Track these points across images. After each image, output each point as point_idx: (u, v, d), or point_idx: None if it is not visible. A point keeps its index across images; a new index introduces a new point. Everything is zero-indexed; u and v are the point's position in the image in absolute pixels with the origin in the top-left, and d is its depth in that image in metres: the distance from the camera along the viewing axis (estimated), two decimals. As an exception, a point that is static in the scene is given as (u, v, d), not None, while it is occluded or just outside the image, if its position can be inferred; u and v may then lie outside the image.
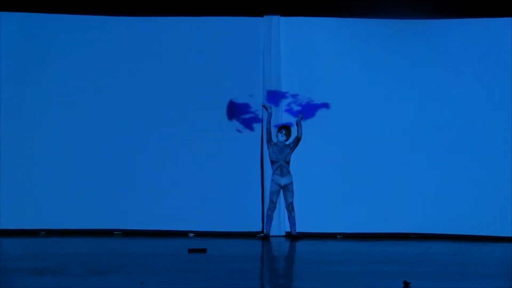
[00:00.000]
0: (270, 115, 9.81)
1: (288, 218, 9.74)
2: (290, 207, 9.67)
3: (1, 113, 10.08)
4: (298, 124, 9.74)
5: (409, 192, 10.09)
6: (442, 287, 5.62)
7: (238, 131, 10.28)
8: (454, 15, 10.19)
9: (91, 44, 10.30)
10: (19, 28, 10.25)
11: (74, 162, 10.13)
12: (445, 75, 10.24)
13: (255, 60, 10.32)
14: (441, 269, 6.68)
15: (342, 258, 7.52)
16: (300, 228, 9.74)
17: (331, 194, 10.08)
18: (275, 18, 10.34)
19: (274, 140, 9.76)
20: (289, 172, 9.68)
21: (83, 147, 10.15)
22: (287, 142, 9.74)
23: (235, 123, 10.29)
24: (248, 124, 10.27)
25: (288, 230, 9.80)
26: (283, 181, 9.66)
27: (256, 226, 10.04)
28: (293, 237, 9.66)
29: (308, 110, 10.22)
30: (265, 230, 9.77)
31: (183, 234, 9.97)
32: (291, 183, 9.66)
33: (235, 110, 10.28)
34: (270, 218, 9.71)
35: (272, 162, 9.73)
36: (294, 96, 10.27)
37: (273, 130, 9.83)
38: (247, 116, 10.27)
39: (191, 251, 7.71)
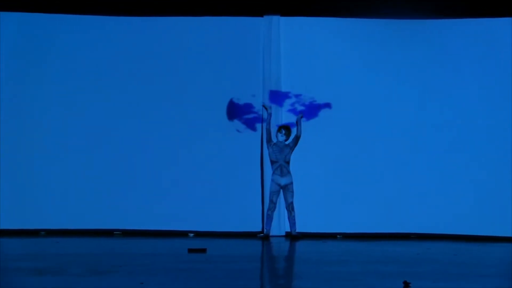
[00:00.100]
0: (269, 115, 9.82)
1: (288, 218, 9.74)
2: (290, 207, 9.67)
3: (1, 113, 10.08)
4: (298, 123, 9.74)
5: (409, 192, 10.08)
6: (442, 287, 5.62)
7: (238, 131, 10.27)
8: (454, 15, 10.19)
9: (91, 44, 10.30)
10: (19, 28, 10.25)
11: (74, 162, 10.13)
12: (445, 75, 10.24)
13: (255, 60, 10.32)
14: (441, 269, 6.68)
15: (342, 258, 7.52)
16: (300, 228, 9.74)
17: (331, 194, 10.08)
18: (275, 18, 10.33)
19: (274, 140, 9.76)
20: (289, 172, 9.69)
21: (83, 147, 10.15)
22: (287, 142, 9.74)
23: (237, 123, 10.29)
24: (250, 124, 10.27)
25: (288, 230, 9.81)
26: (283, 181, 9.66)
27: (256, 226, 10.04)
28: (293, 237, 9.66)
29: (311, 110, 10.23)
30: (265, 230, 9.77)
31: (183, 234, 9.97)
32: (291, 183, 9.66)
33: (235, 110, 10.28)
34: (270, 218, 9.72)
35: (272, 162, 9.73)
36: (297, 96, 10.27)
37: (273, 130, 9.83)
38: (250, 116, 10.27)
39: (191, 251, 7.71)
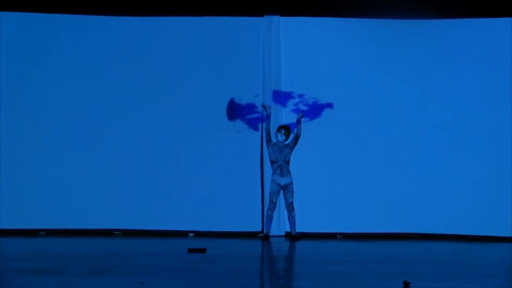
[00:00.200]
0: (269, 115, 9.82)
1: (288, 218, 9.74)
2: (290, 207, 9.67)
3: (1, 113, 10.08)
4: (298, 122, 9.74)
5: (409, 192, 10.08)
6: (442, 287, 5.62)
7: (238, 131, 10.27)
8: (454, 15, 10.19)
9: (91, 44, 10.30)
10: (19, 28, 10.25)
11: (74, 162, 10.13)
12: (445, 75, 10.24)
13: (255, 60, 10.32)
14: (441, 269, 6.68)
15: (342, 258, 7.52)
16: (300, 228, 9.74)
17: (331, 194, 10.08)
18: (275, 18, 10.33)
19: (274, 140, 9.76)
20: (289, 172, 9.68)
21: (83, 147, 10.15)
22: (287, 142, 9.73)
23: (237, 123, 10.29)
24: (251, 124, 10.27)
25: (288, 230, 9.80)
26: (283, 181, 9.66)
27: (256, 226, 10.04)
28: (293, 237, 9.66)
29: (314, 110, 10.23)
30: (265, 230, 9.77)
31: (183, 234, 9.97)
32: (291, 183, 9.66)
33: (236, 110, 10.28)
34: (270, 218, 9.71)
35: (272, 162, 9.73)
36: (300, 96, 10.27)
37: (273, 130, 9.83)
38: (251, 116, 10.27)
39: (191, 251, 7.71)
